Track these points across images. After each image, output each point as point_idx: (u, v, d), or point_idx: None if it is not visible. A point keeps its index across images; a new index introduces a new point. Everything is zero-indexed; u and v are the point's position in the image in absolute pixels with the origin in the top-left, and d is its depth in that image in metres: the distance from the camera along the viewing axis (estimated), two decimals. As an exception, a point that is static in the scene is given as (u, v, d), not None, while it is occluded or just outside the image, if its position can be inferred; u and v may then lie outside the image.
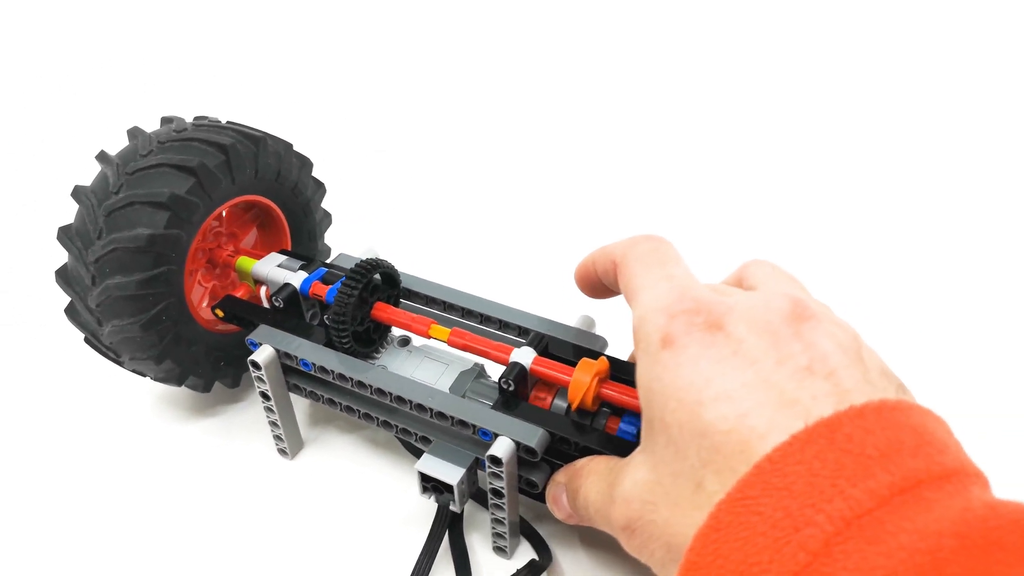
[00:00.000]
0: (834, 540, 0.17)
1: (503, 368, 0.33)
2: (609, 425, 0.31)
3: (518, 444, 0.30)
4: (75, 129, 0.77)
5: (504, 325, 0.37)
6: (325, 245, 0.47)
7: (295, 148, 0.41)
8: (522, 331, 0.36)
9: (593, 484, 0.28)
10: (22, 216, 0.63)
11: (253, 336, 0.36)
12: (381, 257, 0.37)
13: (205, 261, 0.41)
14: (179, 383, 0.39)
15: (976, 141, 0.67)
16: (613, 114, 0.76)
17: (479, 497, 0.36)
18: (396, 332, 0.39)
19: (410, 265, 0.41)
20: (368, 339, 0.37)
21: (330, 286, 0.37)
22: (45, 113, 0.81)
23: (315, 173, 0.44)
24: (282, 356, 0.36)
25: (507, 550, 0.34)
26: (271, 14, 0.96)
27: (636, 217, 0.60)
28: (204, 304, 0.41)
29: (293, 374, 0.37)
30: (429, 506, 0.37)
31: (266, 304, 0.40)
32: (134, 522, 0.37)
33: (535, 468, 0.32)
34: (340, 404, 0.36)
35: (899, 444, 0.19)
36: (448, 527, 0.34)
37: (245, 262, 0.40)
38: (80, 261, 0.36)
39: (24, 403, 0.45)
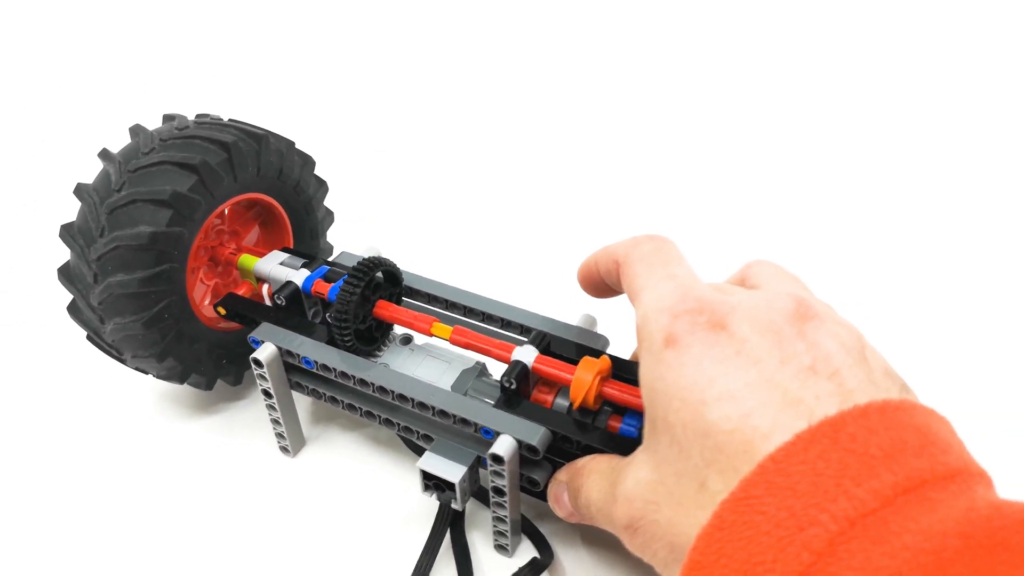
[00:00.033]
0: (838, 540, 0.17)
1: (505, 366, 0.33)
2: (611, 424, 0.31)
3: (520, 442, 0.30)
4: (76, 127, 0.77)
5: (506, 323, 0.37)
6: (327, 243, 0.47)
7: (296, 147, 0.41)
8: (524, 330, 0.36)
9: (595, 483, 0.28)
10: (22, 216, 0.63)
11: (255, 334, 0.36)
12: (383, 256, 0.37)
13: (207, 259, 0.41)
14: (181, 381, 0.39)
15: (980, 142, 0.67)
16: (616, 112, 0.76)
17: (480, 495, 0.36)
18: (398, 330, 0.39)
19: (412, 265, 0.41)
20: (370, 337, 0.37)
21: (332, 284, 0.37)
22: (46, 112, 0.81)
23: (316, 173, 0.44)
24: (284, 354, 0.36)
25: (508, 548, 0.34)
26: (270, 14, 0.96)
27: (638, 216, 0.60)
28: (206, 302, 0.41)
29: (295, 372, 0.37)
30: (431, 504, 0.37)
31: (268, 302, 0.40)
32: (136, 520, 0.37)
33: (537, 466, 0.32)
34: (342, 402, 0.36)
35: (903, 444, 0.19)
36: (450, 525, 0.34)
37: (247, 260, 0.40)
38: (82, 259, 0.36)
39: (27, 402, 0.45)
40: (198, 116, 0.40)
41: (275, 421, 0.38)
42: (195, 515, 0.37)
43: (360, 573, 0.34)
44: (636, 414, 0.31)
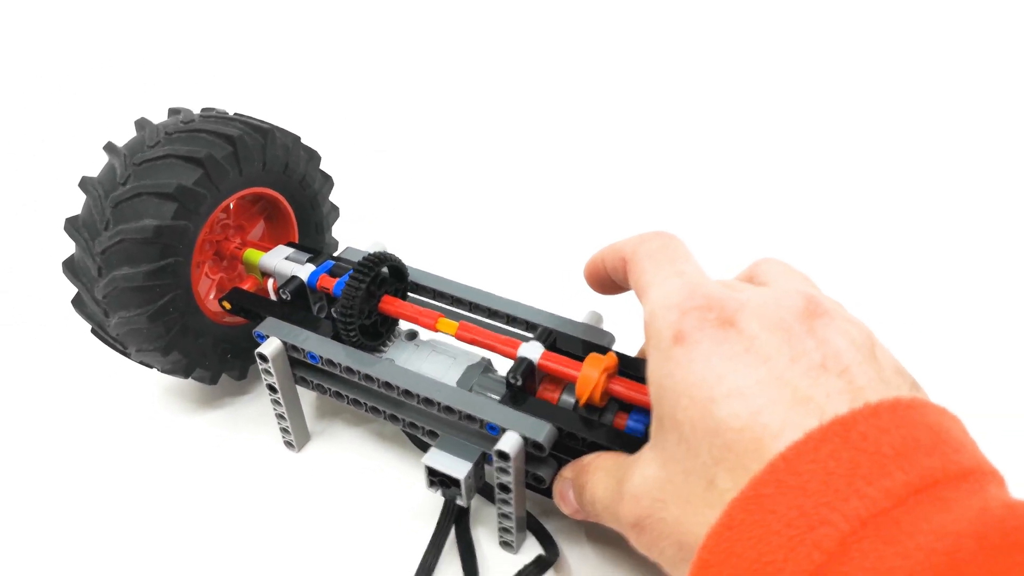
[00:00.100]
0: (850, 539, 0.17)
1: (510, 362, 0.33)
2: (617, 421, 0.31)
3: (526, 439, 0.30)
4: (80, 123, 0.77)
5: (512, 320, 0.37)
6: (332, 238, 0.47)
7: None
8: (530, 326, 0.36)
9: (600, 480, 0.28)
10: (25, 213, 0.63)
11: (260, 328, 0.36)
12: (388, 251, 0.37)
13: (212, 253, 0.41)
14: (186, 375, 0.39)
15: (992, 141, 0.66)
16: (622, 108, 0.75)
17: (486, 491, 0.36)
18: (403, 325, 0.39)
19: (417, 262, 0.40)
20: (375, 332, 0.36)
21: (337, 279, 0.37)
22: (51, 107, 0.81)
23: (321, 168, 0.44)
24: (289, 349, 0.35)
25: (513, 545, 0.34)
26: (270, 15, 0.95)
27: (645, 213, 0.60)
28: (211, 296, 0.41)
29: (300, 367, 0.37)
30: (435, 500, 0.37)
31: (273, 297, 0.40)
32: (141, 514, 0.37)
33: (542, 463, 0.32)
34: (347, 397, 0.36)
35: (915, 443, 0.19)
36: (454, 521, 0.34)
37: (252, 254, 0.40)
38: (87, 252, 0.35)
39: (31, 397, 0.45)
40: (204, 110, 0.40)
41: (280, 416, 0.38)
42: (199, 510, 0.37)
43: (365, 569, 0.34)
44: (643, 411, 0.31)
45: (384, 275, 0.36)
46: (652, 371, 0.24)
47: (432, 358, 0.36)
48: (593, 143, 0.69)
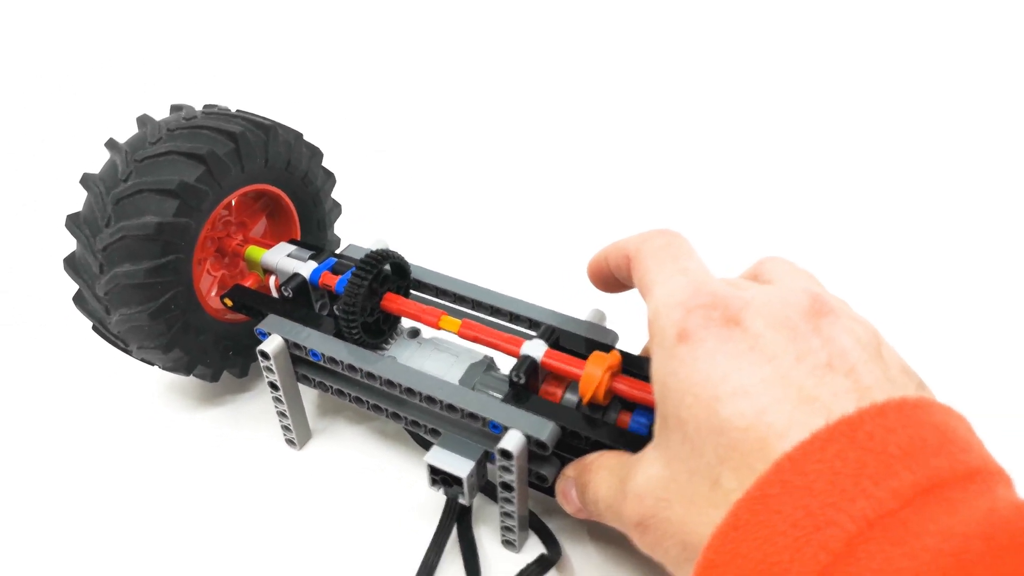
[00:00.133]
0: (857, 540, 0.17)
1: (513, 360, 0.33)
2: (620, 419, 0.31)
3: (529, 437, 0.30)
4: (82, 121, 0.77)
5: (514, 317, 0.37)
6: (334, 235, 0.47)
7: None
8: (532, 324, 0.36)
9: (603, 479, 0.27)
10: (23, 214, 0.63)
11: (262, 326, 0.36)
12: (391, 249, 0.37)
13: (214, 250, 0.41)
14: (187, 372, 0.39)
15: (996, 141, 0.66)
16: (624, 106, 0.75)
17: (488, 490, 0.35)
18: (405, 323, 0.39)
19: (419, 261, 0.40)
20: (378, 330, 0.36)
21: (340, 276, 0.37)
22: (52, 104, 0.81)
23: (323, 165, 0.43)
24: (291, 346, 0.35)
25: (516, 544, 0.34)
26: (269, 15, 0.95)
27: (647, 211, 0.59)
28: (213, 293, 0.41)
29: (302, 364, 0.37)
30: (437, 498, 0.36)
31: (275, 294, 0.40)
32: (143, 511, 0.37)
33: (545, 462, 0.32)
34: (349, 395, 0.36)
35: (922, 443, 0.19)
36: (456, 520, 0.34)
37: (254, 251, 0.40)
38: (88, 249, 0.35)
39: (32, 395, 0.44)
40: (206, 107, 0.40)
41: (281, 414, 0.38)
42: (201, 508, 0.37)
43: (367, 567, 0.34)
44: (646, 410, 0.30)
45: (386, 272, 0.36)
46: (656, 369, 0.24)
47: (434, 356, 0.36)
48: (596, 140, 0.69)
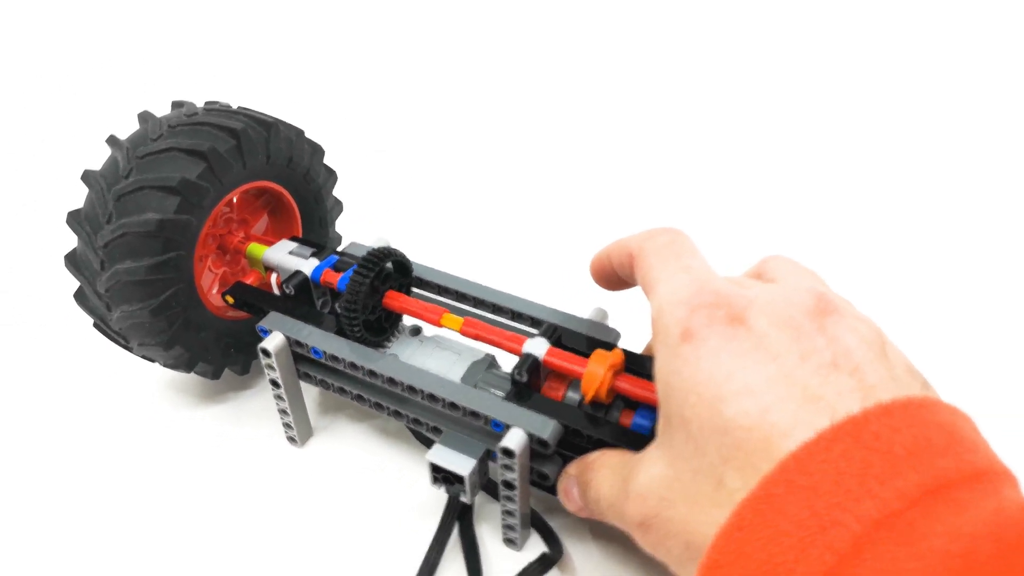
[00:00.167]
0: (863, 541, 0.17)
1: (515, 359, 0.33)
2: (623, 418, 0.31)
3: (531, 436, 0.30)
4: (83, 118, 0.77)
5: (516, 316, 0.36)
6: (336, 233, 0.46)
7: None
8: (534, 322, 0.36)
9: (605, 478, 0.27)
10: (24, 211, 0.62)
11: (263, 323, 0.36)
12: (392, 247, 0.37)
13: (215, 247, 0.41)
14: (188, 369, 0.39)
15: (1001, 140, 0.66)
16: (626, 105, 0.75)
17: (489, 488, 0.35)
18: (407, 321, 0.39)
19: (421, 261, 0.40)
20: (379, 328, 0.36)
21: (342, 274, 0.37)
22: (53, 101, 0.81)
23: (325, 162, 0.43)
24: (293, 344, 0.35)
25: (517, 542, 0.34)
26: (268, 15, 0.95)
27: (649, 210, 0.59)
28: (214, 290, 0.41)
29: (303, 362, 0.37)
30: (439, 496, 0.36)
31: (277, 291, 0.40)
32: (144, 509, 0.37)
33: (547, 460, 0.32)
34: (350, 393, 0.36)
35: (928, 443, 0.19)
36: (458, 518, 0.34)
37: (256, 248, 0.40)
38: (89, 246, 0.35)
39: (33, 393, 0.44)
40: (207, 103, 0.40)
41: (283, 411, 0.38)
42: (202, 505, 0.37)
43: (368, 566, 0.34)
44: (649, 408, 0.30)
45: (388, 270, 0.36)
46: (659, 368, 0.24)
47: (436, 354, 0.36)
48: (598, 138, 0.69)
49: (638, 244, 0.28)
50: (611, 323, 0.36)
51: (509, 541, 0.34)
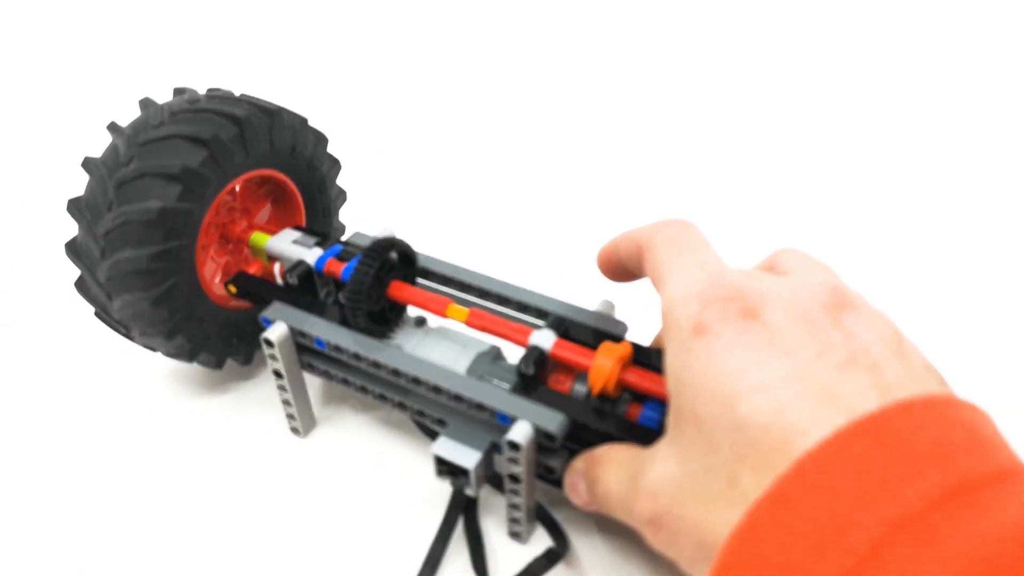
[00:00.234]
0: (883, 543, 0.16)
1: (520, 350, 0.32)
2: (630, 412, 0.30)
3: (537, 429, 0.30)
4: (82, 111, 0.76)
5: (522, 307, 0.36)
6: (340, 223, 0.46)
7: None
8: (540, 314, 0.35)
9: (614, 473, 0.27)
10: (26, 203, 0.62)
11: (267, 313, 0.35)
12: (397, 237, 0.36)
13: (218, 236, 0.40)
14: (190, 359, 0.39)
15: (1017, 138, 0.65)
16: (632, 97, 0.74)
17: (495, 481, 0.35)
18: (411, 312, 0.38)
19: (426, 251, 0.40)
20: (383, 318, 0.36)
21: (346, 264, 0.36)
22: (52, 93, 0.80)
23: (329, 151, 0.43)
24: (296, 334, 0.35)
25: (522, 535, 0.34)
26: (268, 16, 0.94)
27: (655, 202, 0.59)
28: (216, 280, 0.40)
29: (307, 353, 0.36)
30: (443, 489, 0.36)
31: (280, 281, 0.40)
32: (146, 499, 0.37)
33: (553, 454, 0.32)
34: (354, 384, 0.36)
35: (949, 442, 0.18)
36: (463, 511, 0.34)
37: (259, 238, 0.40)
38: (90, 234, 0.35)
39: (35, 382, 0.44)
40: (210, 90, 0.39)
41: (286, 402, 0.38)
42: (204, 496, 0.37)
43: (371, 558, 0.34)
44: (657, 402, 0.30)
45: (393, 260, 0.36)
46: (670, 363, 0.23)
47: (441, 345, 0.35)
48: (604, 130, 0.69)
49: (647, 236, 0.27)
50: (618, 315, 0.35)
51: (514, 534, 0.34)
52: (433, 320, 0.40)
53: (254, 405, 0.41)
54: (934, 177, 0.59)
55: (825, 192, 0.58)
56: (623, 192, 0.60)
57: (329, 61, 0.84)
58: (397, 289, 0.35)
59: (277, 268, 0.40)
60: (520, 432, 0.29)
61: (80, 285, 0.37)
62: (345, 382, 0.36)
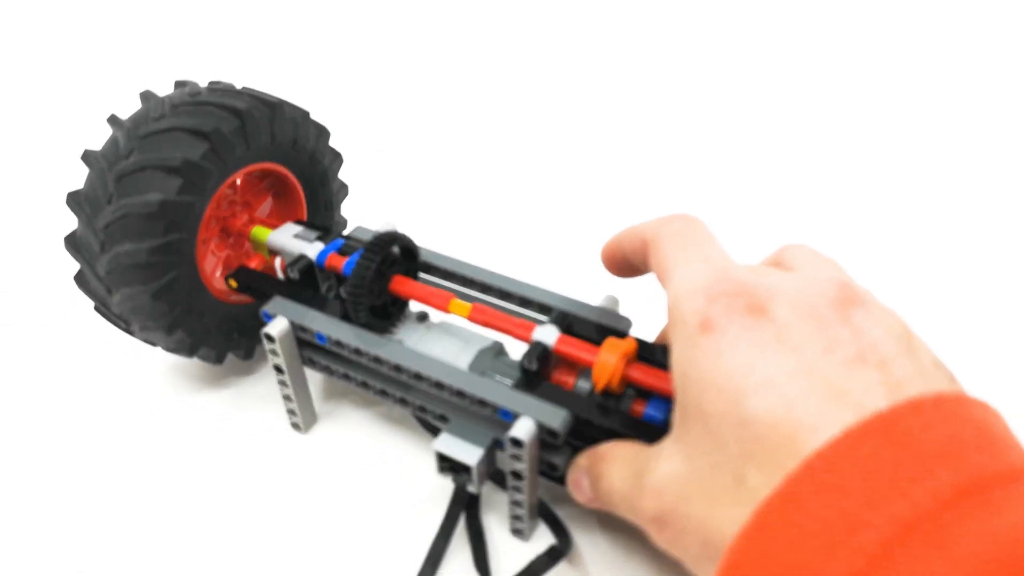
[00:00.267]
0: (894, 544, 0.16)
1: (524, 346, 0.32)
2: (634, 408, 0.30)
3: (540, 426, 0.29)
4: (82, 104, 0.76)
5: (525, 302, 0.36)
6: (341, 217, 0.46)
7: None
8: (543, 309, 0.35)
9: (618, 470, 0.27)
10: (20, 209, 0.62)
11: (267, 308, 0.35)
12: (399, 231, 0.36)
13: (219, 230, 0.40)
14: (191, 354, 0.38)
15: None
16: (635, 90, 0.74)
17: (497, 477, 0.35)
18: (413, 307, 0.38)
19: (428, 247, 0.39)
20: (385, 313, 0.36)
21: (347, 258, 0.36)
22: (48, 88, 0.80)
23: (331, 144, 0.42)
24: (297, 329, 0.35)
25: (524, 532, 0.34)
26: (267, 16, 0.93)
27: (658, 197, 0.58)
28: (217, 274, 0.40)
29: (308, 348, 0.36)
30: (445, 485, 0.36)
31: (281, 275, 0.39)
32: (147, 494, 0.37)
33: (556, 450, 0.31)
34: (355, 379, 0.35)
35: (961, 440, 0.18)
36: (465, 507, 0.34)
37: (260, 232, 0.39)
38: (89, 227, 0.35)
39: (35, 377, 0.44)
40: (211, 83, 0.39)
41: (287, 397, 0.37)
42: (204, 491, 0.37)
43: (372, 555, 0.34)
44: (661, 399, 0.30)
45: (395, 255, 0.35)
46: (676, 359, 0.23)
47: (443, 341, 0.35)
48: (608, 124, 0.68)
49: (652, 231, 0.27)
50: (622, 311, 0.35)
51: (516, 531, 0.34)
52: (435, 315, 0.40)
53: (255, 400, 0.41)
54: (943, 172, 0.59)
55: (832, 187, 0.58)
56: (627, 187, 0.59)
57: (329, 60, 0.83)
58: (399, 284, 0.35)
59: (278, 262, 0.40)
60: (523, 428, 0.29)
61: (80, 279, 0.37)
62: (346, 377, 0.36)
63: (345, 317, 0.34)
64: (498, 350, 0.35)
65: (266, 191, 0.42)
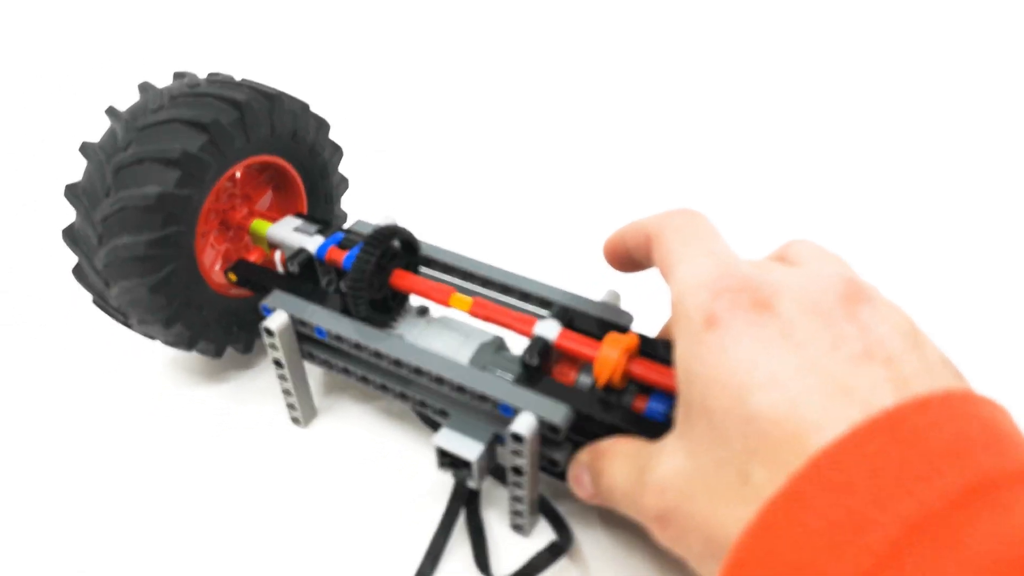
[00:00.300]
0: (902, 544, 0.16)
1: (525, 340, 0.32)
2: (636, 404, 0.30)
3: (541, 421, 0.29)
4: (80, 96, 0.75)
5: (526, 297, 0.35)
6: (341, 210, 0.45)
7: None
8: (544, 304, 0.35)
9: (620, 467, 0.26)
10: (18, 202, 0.61)
11: (267, 302, 0.35)
12: (399, 225, 0.35)
13: (218, 222, 0.40)
14: (189, 348, 0.38)
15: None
16: (637, 85, 0.74)
17: (497, 473, 0.35)
18: (414, 301, 0.38)
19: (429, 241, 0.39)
20: (385, 307, 0.35)
21: (347, 252, 0.36)
22: (46, 80, 0.80)
23: (331, 137, 0.42)
24: (296, 323, 0.34)
25: (525, 528, 0.33)
26: (266, 16, 0.92)
27: (660, 192, 0.58)
28: (216, 267, 0.40)
29: (307, 342, 0.36)
30: (445, 480, 0.36)
31: (281, 269, 0.39)
32: (145, 489, 0.37)
33: (557, 446, 0.31)
34: (355, 374, 0.35)
35: (969, 439, 0.18)
36: (465, 503, 0.33)
37: (260, 225, 0.39)
38: (87, 220, 0.34)
39: (34, 371, 0.44)
40: (210, 75, 0.39)
41: (286, 391, 0.37)
42: (204, 486, 0.36)
43: (372, 550, 0.33)
44: (663, 395, 0.29)
45: (395, 248, 0.35)
46: (680, 355, 0.23)
47: (444, 335, 0.35)
48: (609, 121, 0.68)
49: (655, 225, 0.27)
50: (624, 305, 0.35)
51: (517, 527, 0.34)
52: (436, 309, 0.40)
53: (254, 394, 0.41)
54: (948, 167, 0.59)
55: (837, 182, 0.58)
56: (629, 182, 0.59)
57: (329, 59, 0.83)
58: (399, 278, 0.35)
59: (278, 256, 0.40)
60: (524, 424, 0.29)
61: (78, 272, 0.37)
62: (346, 372, 0.35)
63: (345, 311, 0.34)
64: (499, 345, 0.35)
65: (266, 184, 0.41)
